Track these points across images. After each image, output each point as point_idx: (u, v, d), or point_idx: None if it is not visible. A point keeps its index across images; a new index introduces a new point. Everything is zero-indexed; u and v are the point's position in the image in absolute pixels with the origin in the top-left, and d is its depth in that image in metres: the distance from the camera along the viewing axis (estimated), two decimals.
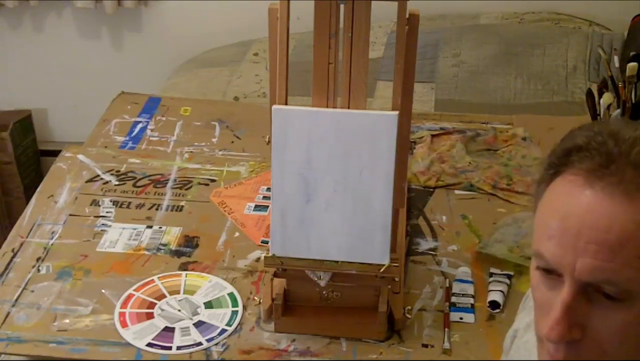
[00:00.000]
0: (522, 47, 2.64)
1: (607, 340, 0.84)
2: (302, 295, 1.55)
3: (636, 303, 0.82)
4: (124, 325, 1.55)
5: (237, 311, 1.59)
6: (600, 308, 0.83)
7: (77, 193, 1.91)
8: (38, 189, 1.93)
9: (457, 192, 1.92)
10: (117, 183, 1.94)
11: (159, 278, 1.67)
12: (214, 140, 2.11)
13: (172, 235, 1.78)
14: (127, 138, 2.11)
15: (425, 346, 1.52)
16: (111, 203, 1.87)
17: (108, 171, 1.98)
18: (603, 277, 0.81)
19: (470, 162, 1.99)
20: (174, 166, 2.01)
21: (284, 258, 1.47)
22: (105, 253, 1.73)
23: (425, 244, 1.77)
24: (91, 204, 1.87)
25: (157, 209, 1.86)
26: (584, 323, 0.84)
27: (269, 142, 1.44)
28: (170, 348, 1.51)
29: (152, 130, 2.15)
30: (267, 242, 1.62)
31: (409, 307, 1.58)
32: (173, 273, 1.68)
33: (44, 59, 3.14)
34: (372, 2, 1.40)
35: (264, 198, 1.88)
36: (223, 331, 1.55)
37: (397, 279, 1.51)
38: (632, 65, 1.79)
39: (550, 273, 0.85)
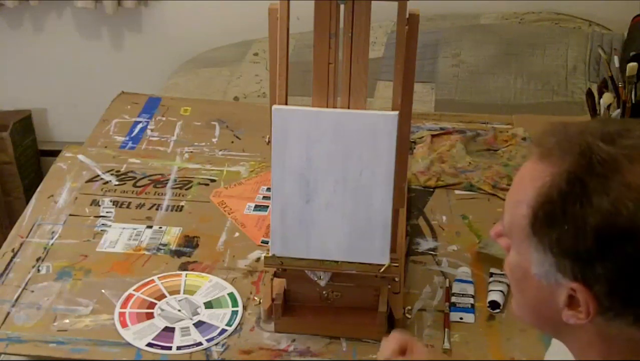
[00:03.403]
0: (522, 47, 2.64)
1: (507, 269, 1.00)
2: (302, 295, 1.55)
3: (512, 247, 0.96)
4: (124, 325, 1.55)
5: (237, 311, 1.59)
6: None
7: (77, 193, 1.91)
8: (38, 189, 1.93)
9: (457, 192, 1.92)
10: (117, 183, 1.94)
11: (159, 278, 1.67)
12: (214, 140, 2.11)
13: (172, 235, 1.78)
14: (127, 138, 2.11)
15: (425, 346, 1.52)
16: (111, 203, 1.87)
17: (108, 171, 1.98)
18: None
19: (470, 162, 1.99)
20: (174, 166, 2.01)
21: (284, 258, 1.47)
22: (105, 253, 1.73)
23: (425, 244, 1.77)
24: (91, 204, 1.87)
25: (157, 209, 1.86)
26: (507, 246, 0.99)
27: (269, 142, 1.44)
28: (170, 348, 1.51)
29: (152, 130, 2.15)
30: (267, 242, 1.62)
31: (409, 307, 1.58)
32: (173, 273, 1.68)
33: (44, 59, 3.14)
34: (372, 2, 1.40)
35: (264, 198, 1.88)
36: (223, 331, 1.55)
37: (397, 279, 1.51)
38: (632, 65, 1.79)
39: None
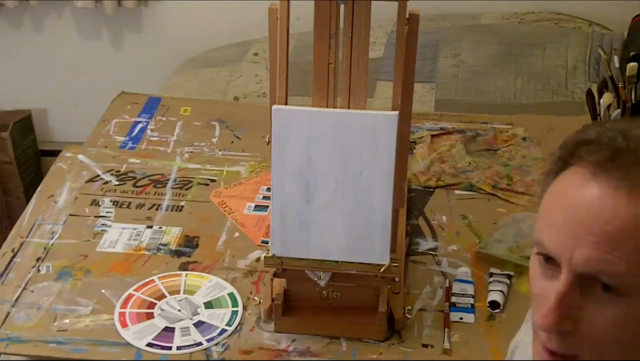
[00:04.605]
0: (522, 47, 2.64)
1: (601, 335, 0.84)
2: (302, 295, 1.55)
3: (632, 299, 0.82)
4: (124, 325, 1.55)
5: (237, 311, 1.59)
6: (596, 302, 0.84)
7: (77, 193, 1.91)
8: (38, 189, 1.93)
9: (457, 192, 1.92)
10: (117, 183, 1.94)
11: (159, 278, 1.67)
12: (214, 140, 2.11)
13: (172, 235, 1.78)
14: (127, 138, 2.11)
15: (425, 346, 1.52)
16: (111, 203, 1.87)
17: (108, 171, 1.98)
18: (599, 268, 0.81)
19: (470, 162, 1.99)
20: (174, 166, 2.01)
21: (284, 258, 1.47)
22: (105, 253, 1.73)
23: (425, 244, 1.77)
24: (91, 204, 1.87)
25: (157, 209, 1.86)
26: (577, 316, 0.84)
27: (269, 142, 1.44)
28: (170, 348, 1.51)
29: (152, 130, 2.15)
30: (267, 242, 1.62)
31: (409, 307, 1.58)
32: (173, 273, 1.68)
33: (44, 59, 3.14)
34: (372, 2, 1.40)
35: (264, 198, 1.88)
36: (223, 331, 1.55)
37: (397, 279, 1.51)
38: (632, 65, 1.79)
39: (549, 262, 0.86)
